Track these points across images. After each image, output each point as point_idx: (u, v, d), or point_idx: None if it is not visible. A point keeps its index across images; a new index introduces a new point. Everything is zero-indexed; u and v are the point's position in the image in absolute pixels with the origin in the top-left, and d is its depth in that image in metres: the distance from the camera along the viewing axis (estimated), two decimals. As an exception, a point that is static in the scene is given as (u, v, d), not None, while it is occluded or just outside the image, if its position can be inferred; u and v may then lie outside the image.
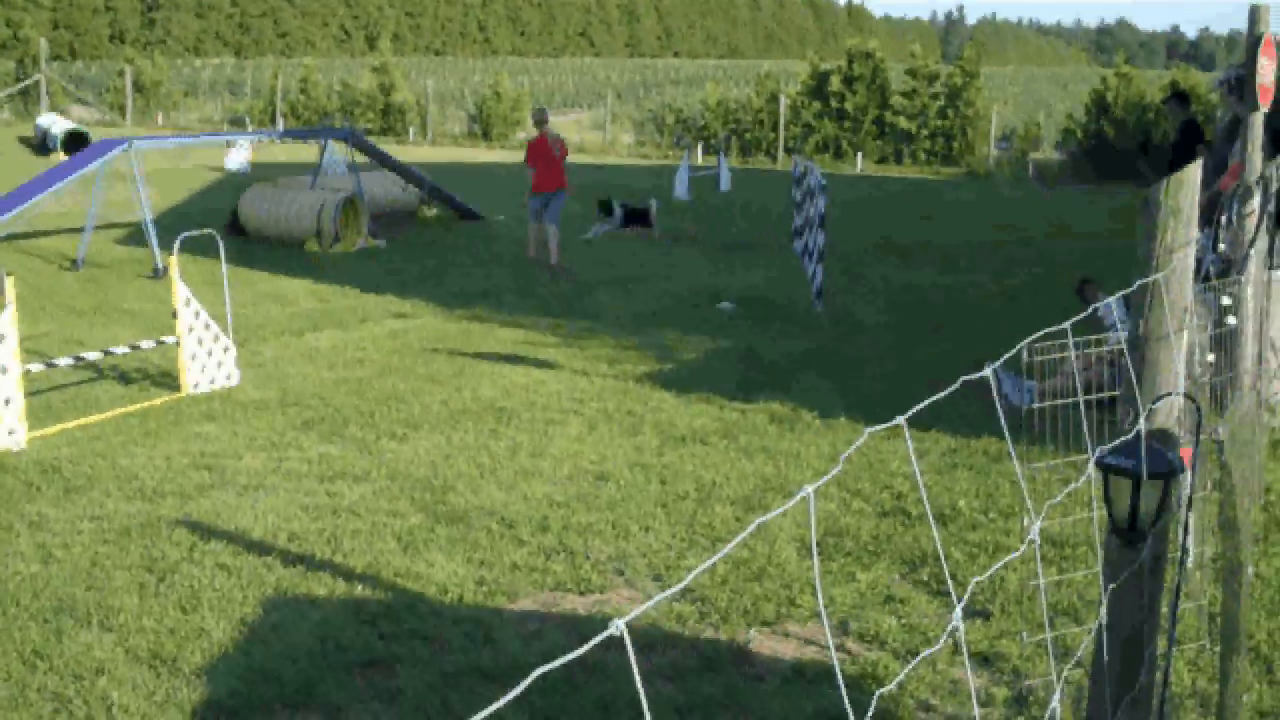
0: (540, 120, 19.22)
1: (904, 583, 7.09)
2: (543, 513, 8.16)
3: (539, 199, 18.70)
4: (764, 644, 6.31)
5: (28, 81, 51.25)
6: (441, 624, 6.46)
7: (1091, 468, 3.89)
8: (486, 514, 8.12)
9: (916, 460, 9.08)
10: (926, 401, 3.11)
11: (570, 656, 1.80)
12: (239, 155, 32.42)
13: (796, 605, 6.76)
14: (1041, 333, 4.03)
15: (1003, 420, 3.47)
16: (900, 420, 2.74)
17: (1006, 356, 3.70)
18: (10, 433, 9.58)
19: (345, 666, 5.96)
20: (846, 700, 2.38)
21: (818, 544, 7.64)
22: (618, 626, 1.64)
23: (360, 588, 6.93)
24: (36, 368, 10.45)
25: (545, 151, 18.68)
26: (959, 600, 6.61)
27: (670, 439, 9.87)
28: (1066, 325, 3.76)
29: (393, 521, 7.99)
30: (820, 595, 6.88)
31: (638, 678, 1.66)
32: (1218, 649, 5.24)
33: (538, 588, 7.01)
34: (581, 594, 6.93)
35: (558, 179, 18.77)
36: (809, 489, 2.22)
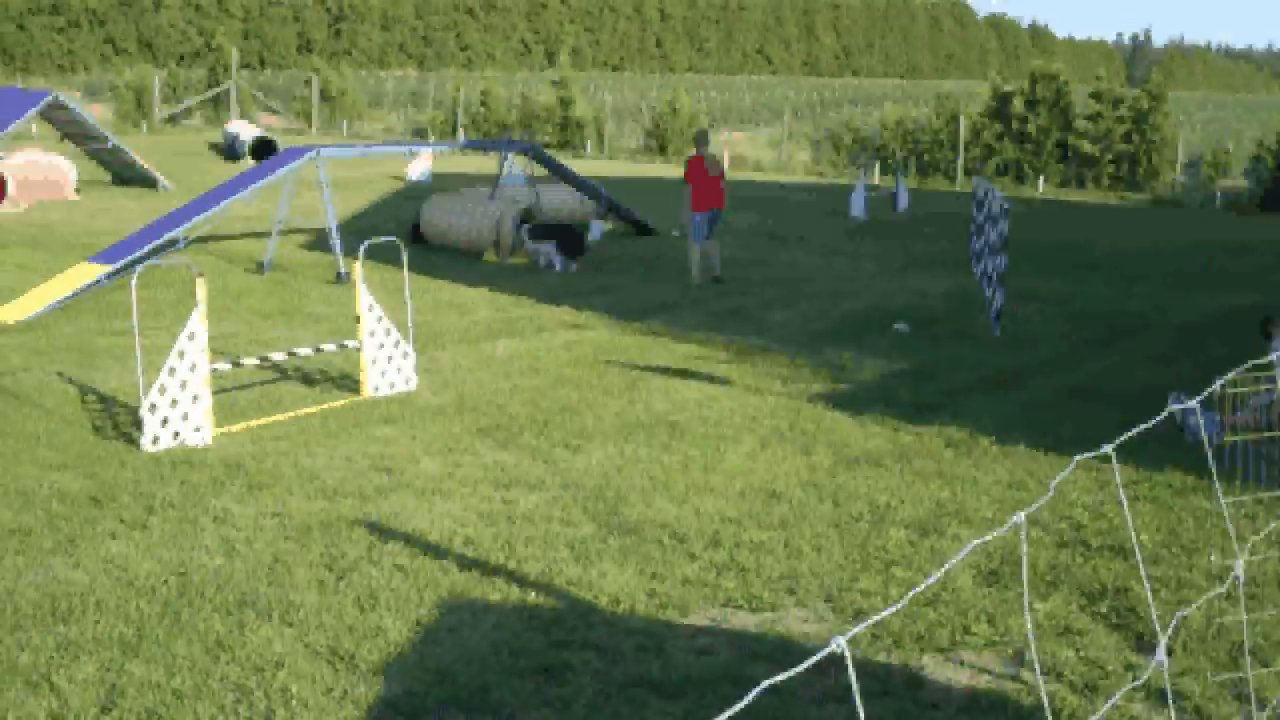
0: (702, 141, 19.37)
1: (1083, 615, 6.94)
2: (714, 528, 8.16)
3: (703, 217, 18.73)
4: (938, 671, 6.22)
5: (219, 89, 52.85)
6: (613, 634, 6.48)
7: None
8: (658, 527, 8.14)
9: (1097, 491, 8.90)
10: (1133, 431, 3.04)
11: (792, 672, 1.79)
12: (420, 165, 33.04)
13: (971, 633, 6.65)
14: (1245, 367, 3.92)
15: (1209, 456, 3.36)
16: (1108, 449, 2.68)
17: (1207, 393, 3.60)
18: (197, 429, 9.85)
19: (518, 672, 6.02)
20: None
21: (994, 572, 7.51)
22: (838, 644, 1.62)
23: (533, 595, 6.99)
24: (223, 367, 10.74)
25: (702, 170, 18.78)
26: (1138, 634, 6.46)
27: (843, 459, 9.79)
28: (1267, 358, 3.66)
29: (566, 530, 8.05)
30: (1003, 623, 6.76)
31: (857, 695, 1.64)
32: None
33: (709, 603, 7.01)
34: (753, 611, 6.90)
35: (717, 197, 18.85)
36: (1020, 516, 2.18)
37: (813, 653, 6.15)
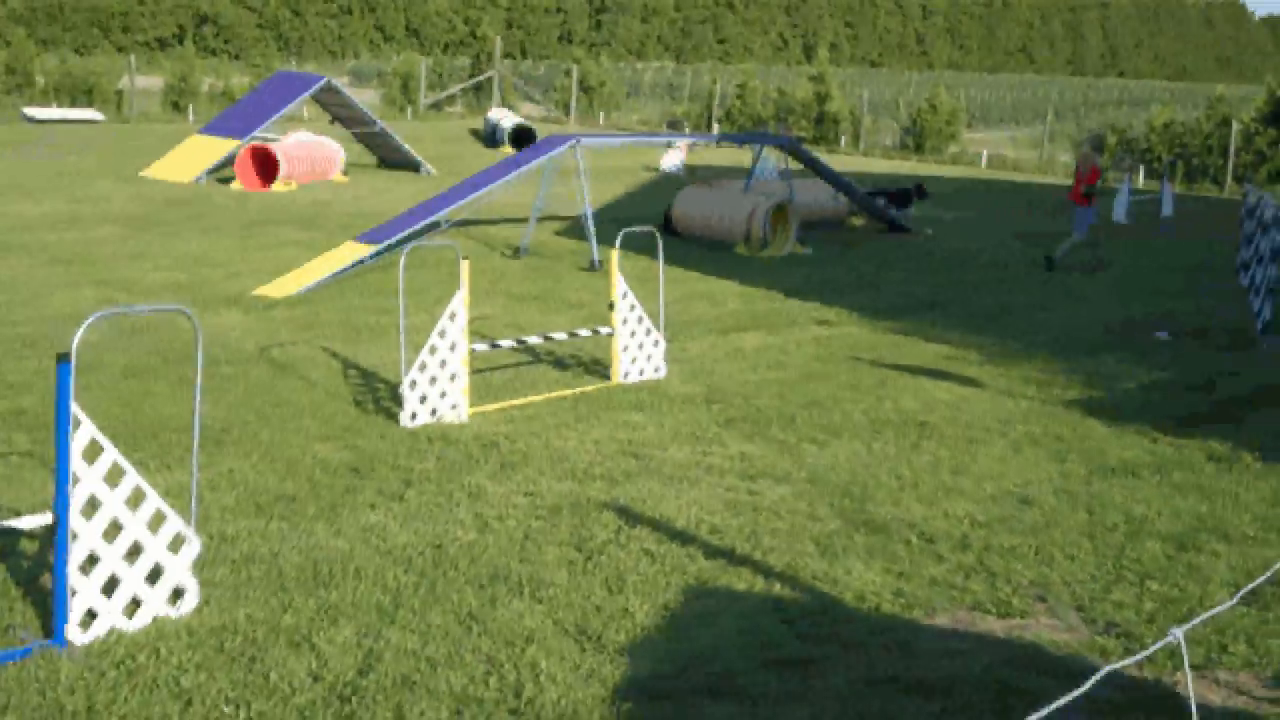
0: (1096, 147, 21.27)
1: (1353, 642, 6.64)
2: (963, 530, 8.05)
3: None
4: (1191, 689, 6.03)
5: (482, 77, 54.07)
6: (858, 631, 6.46)
7: None
8: (906, 526, 8.07)
9: (1370, 513, 8.51)
10: None
11: (1131, 659, 1.76)
12: (675, 156, 33.27)
13: (1229, 652, 6.43)
14: None
15: None
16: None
17: None
18: (454, 407, 10.13)
19: (765, 663, 6.03)
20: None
21: (1254, 591, 7.24)
22: (1175, 635, 1.59)
23: (779, 586, 7.01)
24: (481, 347, 10.99)
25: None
26: None
27: (1099, 468, 9.55)
28: None
29: (811, 525, 8.03)
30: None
31: (1191, 696, 1.61)
32: None
33: (955, 605, 6.92)
34: (1000, 617, 6.78)
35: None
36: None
37: (1065, 662, 6.04)
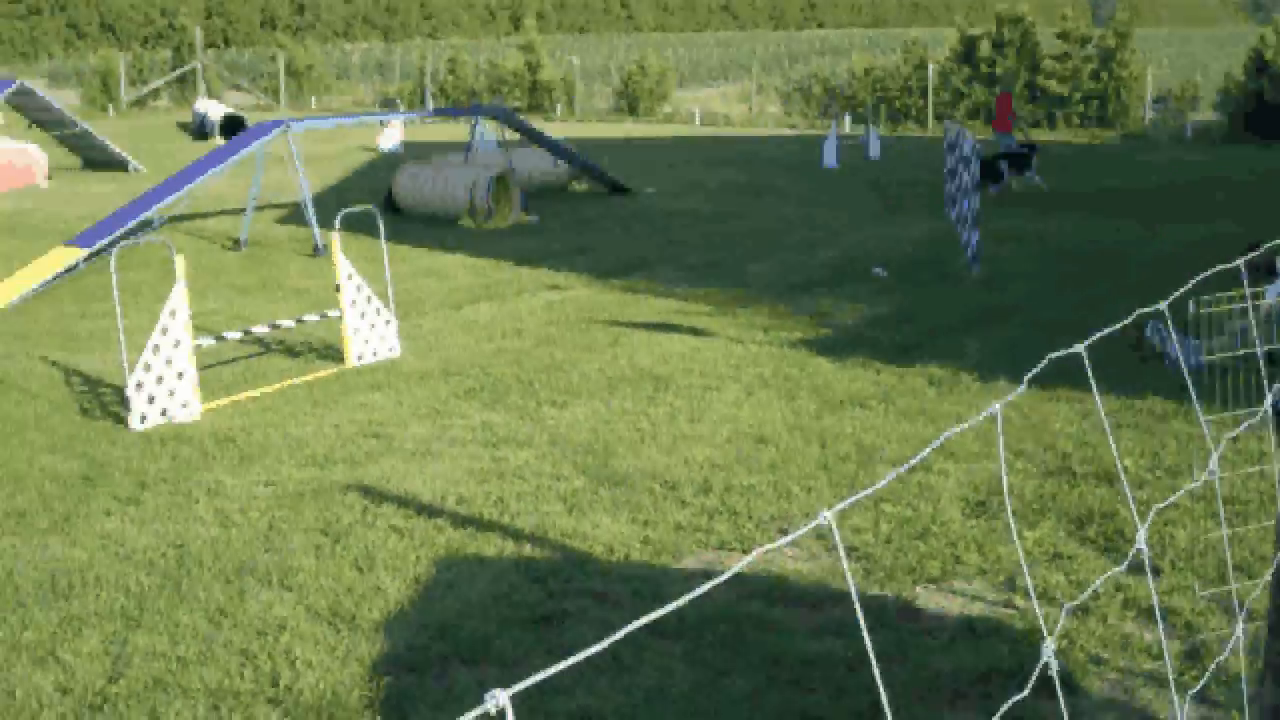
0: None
1: (1070, 540, 7.04)
2: (704, 475, 8.24)
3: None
4: (931, 600, 6.32)
5: (185, 69, 52.57)
6: (609, 581, 6.57)
7: (1262, 412, 3.84)
8: (649, 477, 8.22)
9: (1080, 420, 9.01)
10: (1097, 335, 3.08)
11: (786, 540, 1.85)
12: (392, 135, 32.95)
13: (962, 562, 6.75)
14: (1195, 281, 3.98)
15: (1187, 378, 3.44)
16: (1080, 348, 2.74)
17: (1159, 307, 3.67)
18: (184, 405, 9.89)
19: (518, 622, 6.09)
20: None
21: (982, 503, 7.60)
22: (825, 517, 1.67)
23: (529, 547, 7.07)
24: (207, 342, 10.76)
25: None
26: (1126, 556, 6.55)
27: (828, 403, 9.87)
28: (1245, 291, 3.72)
29: (557, 484, 8.12)
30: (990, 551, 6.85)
31: (857, 617, 1.71)
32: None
33: (702, 547, 7.09)
34: (746, 553, 6.98)
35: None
36: (997, 406, 2.24)
37: (808, 591, 6.25)
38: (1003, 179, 22.72)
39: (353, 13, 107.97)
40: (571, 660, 1.59)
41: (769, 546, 1.95)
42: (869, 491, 2.05)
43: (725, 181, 25.82)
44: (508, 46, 65.04)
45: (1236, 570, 6.42)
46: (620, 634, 1.61)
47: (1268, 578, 3.83)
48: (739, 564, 1.79)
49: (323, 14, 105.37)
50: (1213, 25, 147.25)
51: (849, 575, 2.49)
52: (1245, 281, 4.12)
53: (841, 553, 2.11)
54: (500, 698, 1.47)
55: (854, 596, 2.87)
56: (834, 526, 1.67)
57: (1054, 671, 2.19)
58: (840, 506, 1.68)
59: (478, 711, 1.51)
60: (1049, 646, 2.35)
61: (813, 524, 1.70)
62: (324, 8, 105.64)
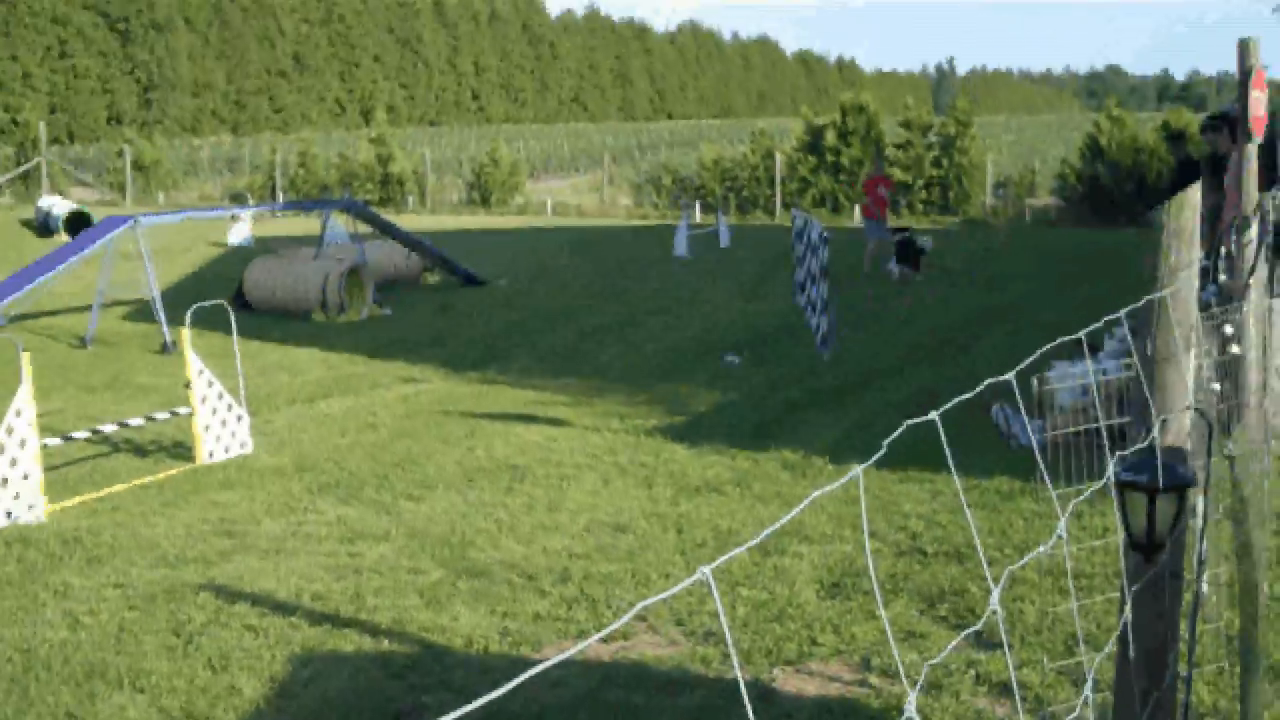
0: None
1: (923, 619, 7.17)
2: (563, 564, 8.25)
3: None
4: (788, 682, 6.38)
5: (28, 165, 51.66)
6: (469, 674, 6.54)
7: (1104, 484, 3.98)
8: (507, 567, 8.21)
9: (930, 500, 9.19)
10: (915, 422, 3.17)
11: (666, 594, 1.89)
12: (242, 229, 32.65)
13: (818, 644, 6.83)
14: (1035, 355, 4.13)
15: (1039, 456, 3.57)
16: (911, 423, 2.83)
17: (983, 383, 3.79)
18: (30, 507, 9.67)
19: (377, 718, 6.03)
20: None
21: (836, 585, 7.71)
22: (704, 573, 1.72)
23: (387, 642, 7.02)
24: (53, 442, 10.55)
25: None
26: (978, 634, 6.69)
27: (685, 489, 9.96)
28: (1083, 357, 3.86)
29: (415, 578, 8.07)
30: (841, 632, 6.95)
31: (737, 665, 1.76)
32: (1237, 669, 5.32)
33: (561, 636, 7.10)
34: (605, 642, 6.99)
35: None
36: (859, 469, 2.32)
37: (666, 675, 6.28)
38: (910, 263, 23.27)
39: (200, 107, 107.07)
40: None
41: (616, 625, 2.00)
42: (738, 551, 2.11)
43: (579, 272, 25.99)
44: (358, 139, 64.98)
45: (1085, 644, 6.58)
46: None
47: (1111, 647, 3.95)
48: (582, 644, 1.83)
49: (170, 109, 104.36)
50: (1050, 113, 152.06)
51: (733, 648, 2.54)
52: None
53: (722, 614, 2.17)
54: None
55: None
56: (712, 582, 1.73)
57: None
58: (719, 562, 1.72)
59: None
60: (910, 715, 2.42)
61: (693, 579, 1.75)
62: (171, 103, 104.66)
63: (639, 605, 1.80)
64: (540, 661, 6.59)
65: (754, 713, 5.92)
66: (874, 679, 6.38)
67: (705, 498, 9.71)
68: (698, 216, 38.53)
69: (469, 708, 1.57)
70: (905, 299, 20.72)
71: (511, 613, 7.42)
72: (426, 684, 6.42)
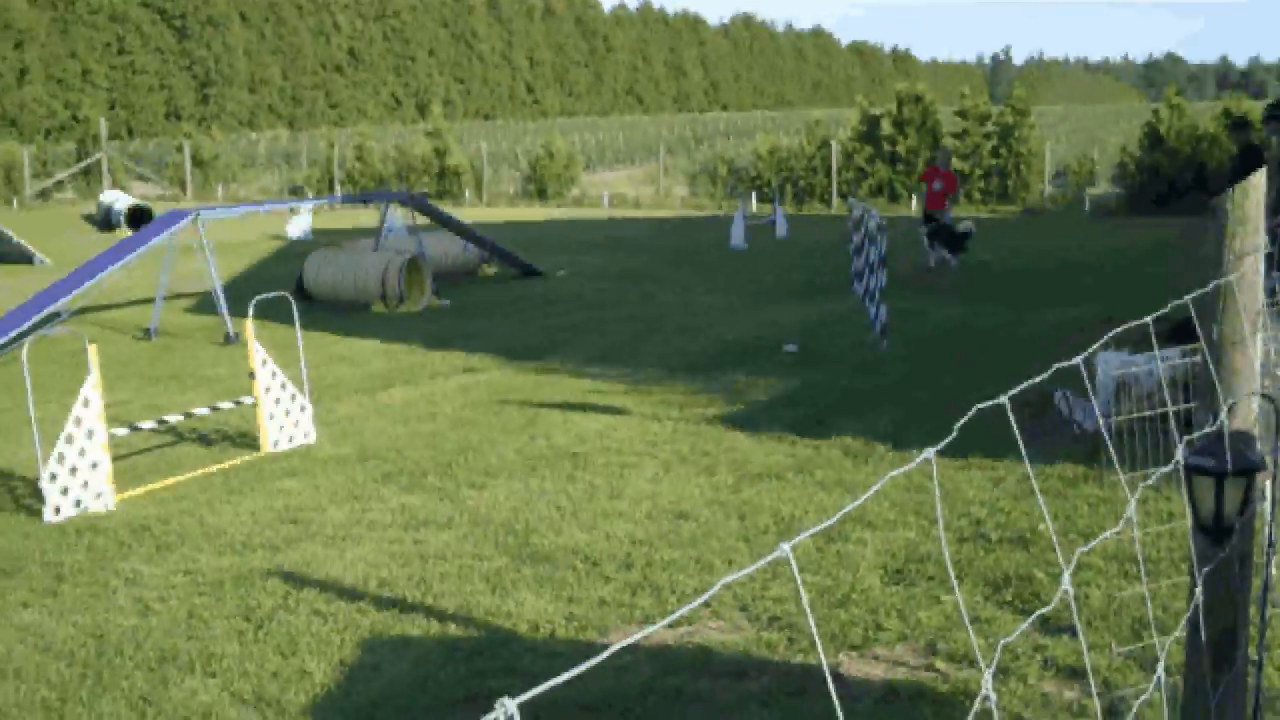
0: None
1: (988, 604, 7.15)
2: (626, 550, 8.28)
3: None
4: (854, 667, 6.39)
5: (89, 161, 52.23)
6: (535, 659, 6.58)
7: (1172, 468, 3.96)
8: (570, 553, 8.25)
9: (993, 488, 9.16)
10: (967, 413, 3.18)
11: (746, 571, 1.91)
12: (301, 222, 32.91)
13: (883, 629, 6.83)
14: (1100, 343, 4.11)
15: (1108, 439, 3.56)
16: (987, 405, 2.84)
17: (1053, 368, 3.79)
18: (98, 495, 9.80)
19: (444, 702, 6.09)
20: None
21: (899, 571, 7.71)
22: (783, 550, 1.73)
23: (453, 627, 7.07)
24: (121, 432, 10.68)
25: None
26: (1044, 619, 6.67)
27: (746, 476, 9.97)
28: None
29: (479, 564, 8.13)
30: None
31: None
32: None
33: (625, 622, 7.13)
34: (670, 627, 7.02)
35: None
36: (930, 451, 2.33)
37: (731, 661, 6.30)
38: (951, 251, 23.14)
39: (257, 103, 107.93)
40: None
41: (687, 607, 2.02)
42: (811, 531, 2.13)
43: (635, 263, 26.02)
44: (414, 133, 65.28)
45: (1153, 627, 6.55)
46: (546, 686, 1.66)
47: (1180, 631, 3.94)
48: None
49: (227, 104, 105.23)
50: (1108, 102, 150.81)
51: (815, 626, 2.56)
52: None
53: (802, 593, 2.19)
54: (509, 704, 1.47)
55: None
56: (791, 559, 1.75)
57: None
58: (799, 539, 1.74)
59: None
60: (987, 693, 2.43)
61: (773, 555, 1.77)
62: (229, 98, 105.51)
63: (719, 583, 1.82)
64: (606, 646, 6.63)
65: (823, 698, 5.94)
66: (940, 663, 6.38)
67: (767, 484, 9.72)
68: (754, 207, 38.48)
69: (538, 690, 1.60)
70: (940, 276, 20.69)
71: (576, 598, 7.46)
72: (492, 669, 6.46)
